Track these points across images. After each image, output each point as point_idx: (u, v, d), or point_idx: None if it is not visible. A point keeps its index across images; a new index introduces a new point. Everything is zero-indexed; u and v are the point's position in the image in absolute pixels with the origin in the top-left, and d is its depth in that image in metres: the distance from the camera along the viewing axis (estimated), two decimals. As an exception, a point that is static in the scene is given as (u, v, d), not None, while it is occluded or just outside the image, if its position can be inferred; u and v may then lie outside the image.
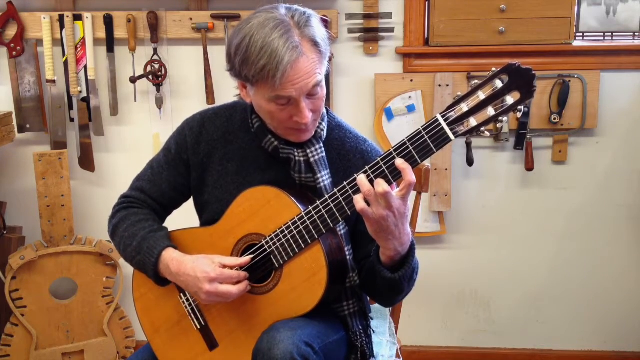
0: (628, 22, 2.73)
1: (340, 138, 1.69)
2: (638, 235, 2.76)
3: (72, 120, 2.76)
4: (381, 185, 1.41)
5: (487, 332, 2.89)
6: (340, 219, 1.51)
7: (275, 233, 1.57)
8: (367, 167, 1.46)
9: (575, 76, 2.62)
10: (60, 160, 2.66)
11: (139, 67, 2.70)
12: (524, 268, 2.82)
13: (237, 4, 2.67)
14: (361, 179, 1.44)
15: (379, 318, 1.97)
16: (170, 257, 1.62)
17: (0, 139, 2.61)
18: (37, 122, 2.77)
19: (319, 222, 1.52)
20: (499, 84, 1.38)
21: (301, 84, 1.49)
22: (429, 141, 1.42)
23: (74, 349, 2.77)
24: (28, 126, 2.77)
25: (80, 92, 2.73)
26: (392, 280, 1.53)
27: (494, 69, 1.39)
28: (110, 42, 2.70)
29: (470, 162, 2.63)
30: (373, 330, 1.77)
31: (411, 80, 2.67)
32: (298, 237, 1.54)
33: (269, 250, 1.58)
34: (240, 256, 1.62)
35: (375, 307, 1.97)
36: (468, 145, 2.63)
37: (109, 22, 2.67)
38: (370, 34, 2.66)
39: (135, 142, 2.81)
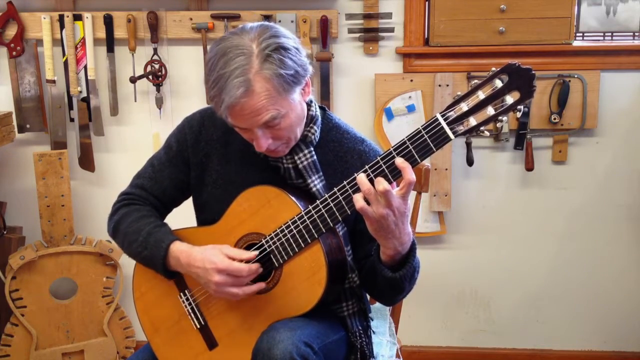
0: (628, 22, 2.73)
1: (337, 139, 1.69)
2: (638, 235, 2.76)
3: (72, 120, 2.76)
4: (381, 183, 1.41)
5: (487, 332, 2.89)
6: (340, 218, 1.51)
7: (275, 232, 1.57)
8: (367, 167, 1.46)
9: (575, 76, 2.62)
10: (60, 160, 2.66)
11: (139, 67, 2.70)
12: (524, 268, 2.82)
13: (237, 4, 2.68)
14: (361, 177, 1.44)
15: (379, 318, 1.97)
16: (179, 250, 1.62)
17: (0, 139, 2.61)
18: (37, 122, 2.77)
19: (319, 221, 1.52)
20: (498, 83, 1.38)
21: (249, 121, 1.50)
22: (429, 140, 1.42)
23: (74, 349, 2.77)
24: (28, 126, 2.77)
25: (80, 92, 2.73)
26: (393, 279, 1.53)
27: (493, 68, 1.39)
28: (110, 42, 2.70)
29: (470, 162, 2.63)
30: (373, 331, 1.77)
31: (411, 80, 2.67)
32: (298, 236, 1.54)
33: (268, 250, 1.58)
34: (240, 255, 1.62)
35: (375, 307, 1.97)
36: (468, 145, 2.63)
37: (109, 22, 2.67)
38: (370, 34, 2.66)
39: (135, 142, 2.81)
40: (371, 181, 1.43)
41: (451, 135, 1.41)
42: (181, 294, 1.71)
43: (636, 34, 2.74)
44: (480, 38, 2.61)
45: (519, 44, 2.61)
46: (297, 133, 1.59)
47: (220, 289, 1.56)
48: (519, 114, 1.41)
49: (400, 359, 1.92)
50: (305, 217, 1.53)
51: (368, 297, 1.78)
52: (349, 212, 1.50)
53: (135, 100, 2.75)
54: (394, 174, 1.44)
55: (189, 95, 2.76)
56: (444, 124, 1.41)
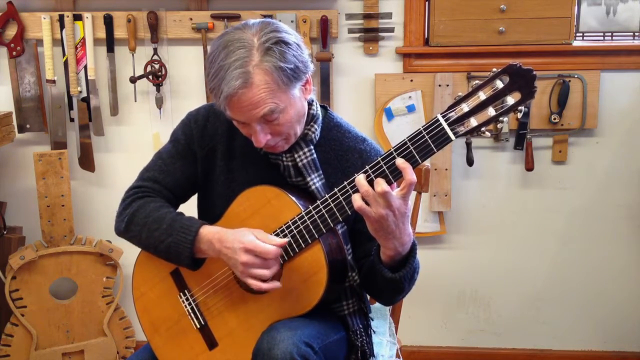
0: (628, 22, 2.73)
1: (338, 138, 1.69)
2: (638, 235, 2.76)
3: (72, 120, 2.76)
4: (380, 184, 1.41)
5: (487, 332, 2.89)
6: (340, 218, 1.51)
7: (275, 232, 1.57)
8: (367, 167, 1.46)
9: (575, 76, 2.62)
10: (60, 160, 2.66)
11: (139, 67, 2.70)
12: (524, 268, 2.82)
13: (237, 4, 2.68)
14: (359, 179, 1.44)
15: (379, 318, 1.97)
16: (211, 232, 1.59)
17: (0, 139, 2.61)
18: (37, 122, 2.77)
19: (319, 221, 1.52)
20: (499, 84, 1.38)
21: (247, 114, 1.50)
22: (430, 141, 1.42)
23: (74, 349, 2.77)
24: (28, 126, 2.77)
25: (80, 92, 2.73)
26: (393, 279, 1.53)
27: (494, 69, 1.39)
28: (110, 42, 2.70)
29: (470, 162, 2.63)
30: (373, 331, 1.77)
31: (411, 80, 2.67)
32: (298, 236, 1.54)
33: (269, 250, 1.58)
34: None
35: (375, 307, 1.97)
36: (468, 145, 2.62)
37: (109, 22, 2.67)
38: (370, 34, 2.66)
39: (135, 142, 2.81)
40: (371, 181, 1.44)
41: (452, 136, 1.41)
42: (181, 293, 1.71)
43: (636, 34, 2.74)
44: (480, 38, 2.62)
45: (519, 44, 2.61)
46: (297, 130, 1.59)
47: (246, 270, 1.52)
48: (519, 114, 1.41)
49: (400, 359, 1.92)
50: (306, 217, 1.53)
51: (368, 296, 1.78)
52: (349, 212, 1.50)
53: (135, 100, 2.75)
54: (395, 175, 1.44)
55: (189, 95, 2.76)
56: (445, 124, 1.41)
